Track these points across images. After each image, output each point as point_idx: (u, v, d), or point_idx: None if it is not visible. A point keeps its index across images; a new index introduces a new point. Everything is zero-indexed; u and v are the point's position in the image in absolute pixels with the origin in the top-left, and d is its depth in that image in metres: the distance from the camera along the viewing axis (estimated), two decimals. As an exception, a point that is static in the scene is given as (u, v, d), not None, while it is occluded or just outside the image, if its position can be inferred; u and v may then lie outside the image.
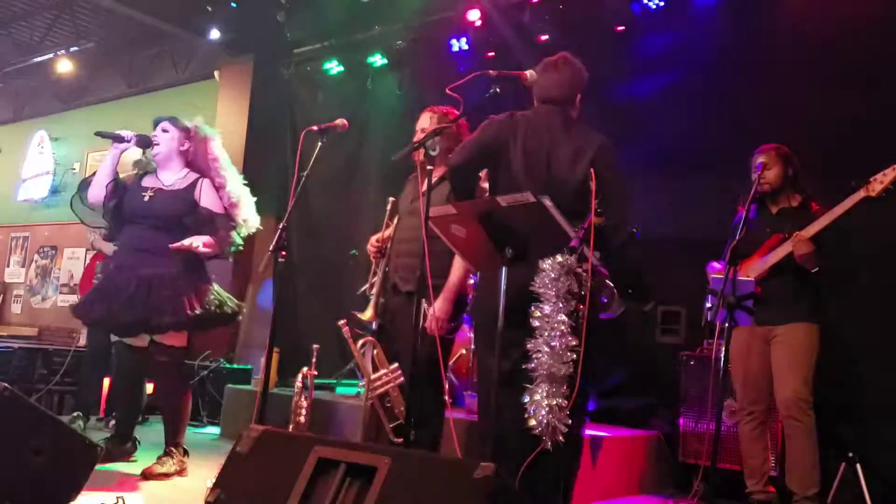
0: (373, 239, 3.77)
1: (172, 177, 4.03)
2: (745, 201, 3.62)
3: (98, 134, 4.14)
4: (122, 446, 4.13)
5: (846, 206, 3.44)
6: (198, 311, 3.79)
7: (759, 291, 3.52)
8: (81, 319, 4.02)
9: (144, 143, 4.05)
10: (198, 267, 3.95)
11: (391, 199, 3.81)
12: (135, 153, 4.27)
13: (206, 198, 3.97)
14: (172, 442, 3.94)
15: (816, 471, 3.58)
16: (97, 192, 4.00)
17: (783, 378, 3.63)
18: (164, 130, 4.04)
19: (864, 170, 3.42)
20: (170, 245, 3.73)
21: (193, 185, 3.99)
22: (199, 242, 3.80)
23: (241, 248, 4.07)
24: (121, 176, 4.12)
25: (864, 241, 4.01)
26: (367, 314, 3.64)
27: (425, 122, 3.61)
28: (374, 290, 3.66)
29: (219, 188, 4.00)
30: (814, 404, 3.60)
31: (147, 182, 4.03)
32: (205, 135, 4.08)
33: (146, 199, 3.93)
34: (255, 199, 4.09)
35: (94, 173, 4.13)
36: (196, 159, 4.10)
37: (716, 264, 3.81)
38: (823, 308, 3.71)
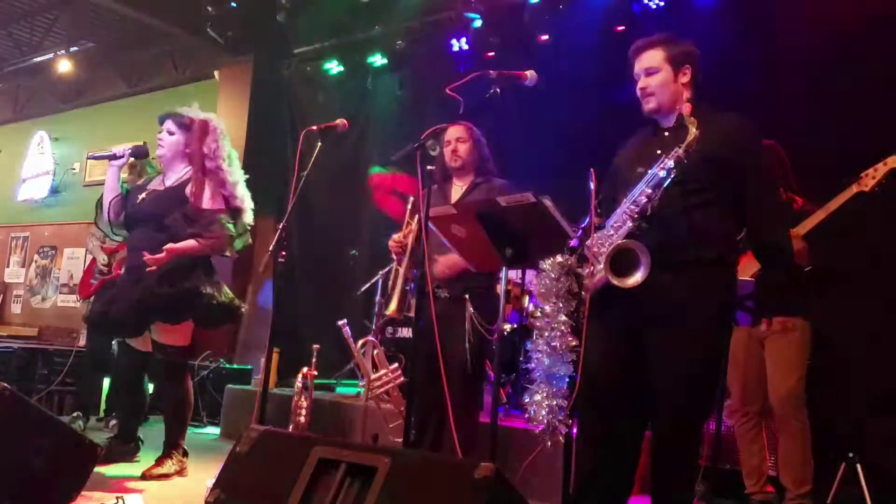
0: (395, 237, 3.71)
1: (174, 177, 4.01)
2: None
3: (91, 157, 4.17)
4: (125, 446, 4.15)
5: (839, 202, 3.41)
6: (181, 314, 3.77)
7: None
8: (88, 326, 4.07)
9: (140, 153, 4.08)
10: (190, 267, 3.84)
11: (411, 197, 3.75)
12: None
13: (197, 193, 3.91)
14: (172, 442, 3.94)
15: (809, 468, 3.57)
16: (105, 211, 4.03)
17: (777, 377, 3.62)
18: (170, 133, 4.00)
19: (863, 170, 3.41)
20: (147, 258, 3.68)
21: (187, 181, 3.94)
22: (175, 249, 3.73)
23: (246, 242, 4.02)
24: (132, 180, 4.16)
25: (862, 237, 4.00)
26: (392, 307, 3.61)
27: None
28: (398, 286, 3.63)
29: (219, 182, 3.94)
30: (813, 404, 3.59)
31: (152, 185, 4.04)
32: (204, 124, 3.99)
33: (139, 201, 3.95)
34: (255, 199, 4.08)
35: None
36: (192, 152, 3.98)
37: None
38: (816, 306, 3.70)
